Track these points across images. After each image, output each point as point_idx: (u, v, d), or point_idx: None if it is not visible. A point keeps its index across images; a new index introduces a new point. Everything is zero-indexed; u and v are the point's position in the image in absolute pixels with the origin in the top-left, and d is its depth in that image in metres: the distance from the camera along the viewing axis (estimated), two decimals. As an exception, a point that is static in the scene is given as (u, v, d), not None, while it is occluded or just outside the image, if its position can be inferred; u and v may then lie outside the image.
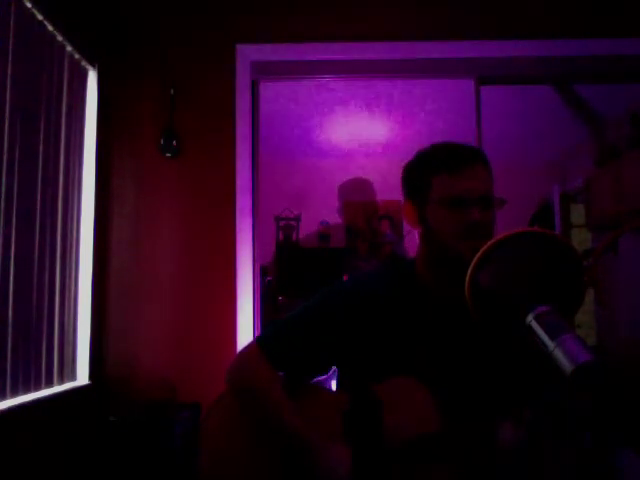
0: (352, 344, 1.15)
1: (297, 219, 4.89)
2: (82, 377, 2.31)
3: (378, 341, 1.14)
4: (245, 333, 2.40)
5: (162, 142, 2.46)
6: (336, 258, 4.68)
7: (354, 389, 1.08)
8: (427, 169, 1.16)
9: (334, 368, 1.24)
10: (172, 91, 2.48)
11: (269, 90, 2.88)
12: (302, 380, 1.18)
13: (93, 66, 2.43)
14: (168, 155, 2.47)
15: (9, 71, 1.83)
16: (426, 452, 0.99)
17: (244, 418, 1.15)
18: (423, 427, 0.99)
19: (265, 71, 2.63)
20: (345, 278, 4.30)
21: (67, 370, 2.21)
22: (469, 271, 0.86)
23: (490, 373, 1.11)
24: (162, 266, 2.46)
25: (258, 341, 1.19)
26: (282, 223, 4.88)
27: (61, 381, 2.15)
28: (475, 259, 0.86)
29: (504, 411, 1.07)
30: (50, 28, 2.10)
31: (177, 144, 2.46)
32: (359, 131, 4.41)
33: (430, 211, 1.14)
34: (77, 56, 2.31)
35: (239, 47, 2.53)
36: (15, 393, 1.84)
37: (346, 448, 0.98)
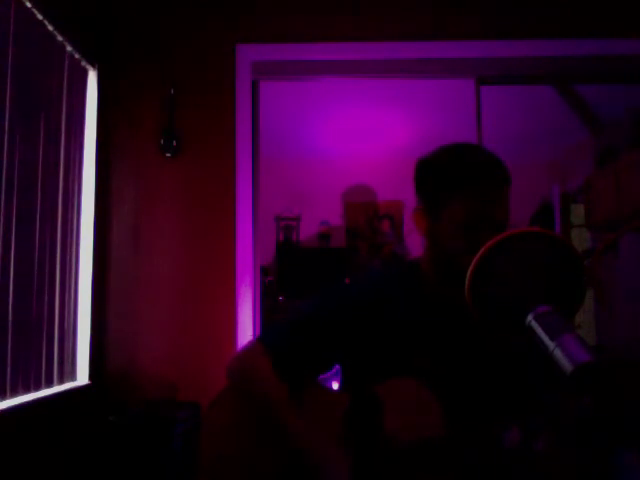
0: (357, 345, 1.15)
1: (297, 219, 4.89)
2: (82, 377, 2.31)
3: (382, 342, 1.13)
4: (245, 333, 2.40)
5: (162, 142, 2.46)
6: (336, 258, 4.68)
7: (355, 389, 1.08)
8: (445, 182, 1.07)
9: (337, 367, 1.24)
10: (172, 91, 2.48)
11: (269, 90, 2.88)
12: (305, 378, 1.17)
13: (93, 66, 2.43)
14: (168, 155, 2.47)
15: (9, 71, 1.83)
16: (429, 456, 0.98)
17: (245, 416, 1.14)
18: (426, 430, 0.98)
19: (265, 71, 2.63)
20: (347, 281, 4.30)
21: (67, 370, 2.21)
22: (469, 272, 0.86)
23: (495, 375, 1.11)
24: (162, 266, 2.46)
25: (261, 339, 1.18)
26: (282, 223, 4.88)
27: (61, 381, 2.15)
28: (475, 259, 0.86)
29: (509, 414, 1.06)
30: (50, 28, 2.10)
31: (177, 144, 2.46)
32: (359, 131, 4.41)
33: (443, 229, 1.08)
34: (77, 56, 2.31)
35: (239, 47, 2.53)
36: (15, 393, 1.84)
37: (344, 460, 0.96)
